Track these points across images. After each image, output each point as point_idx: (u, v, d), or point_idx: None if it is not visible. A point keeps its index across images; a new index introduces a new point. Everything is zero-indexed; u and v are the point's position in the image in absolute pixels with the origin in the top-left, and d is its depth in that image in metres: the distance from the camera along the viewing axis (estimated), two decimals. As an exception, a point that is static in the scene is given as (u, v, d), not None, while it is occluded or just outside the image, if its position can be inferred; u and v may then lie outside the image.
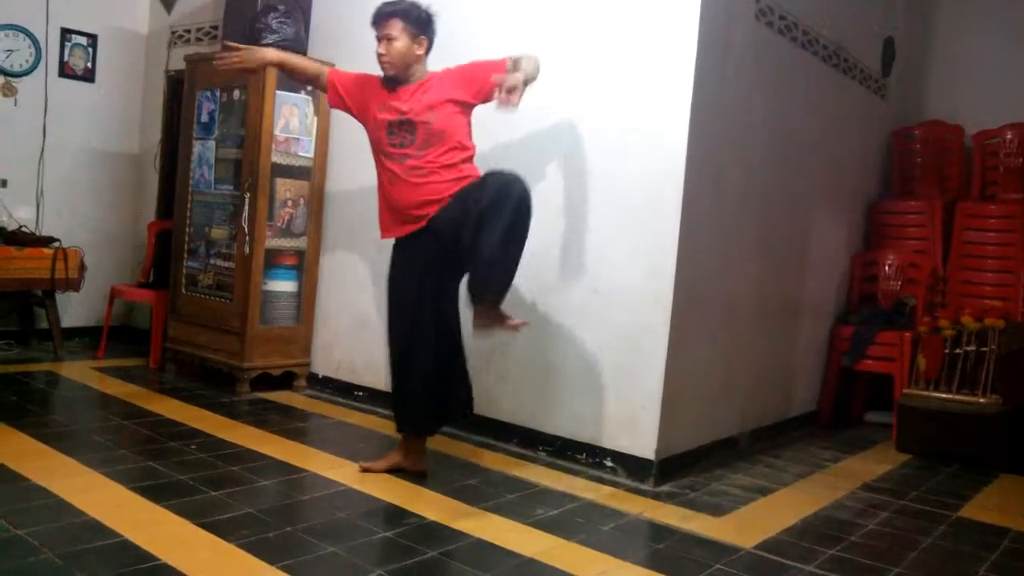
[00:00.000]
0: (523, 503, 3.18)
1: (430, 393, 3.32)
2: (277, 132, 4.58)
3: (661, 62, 3.55)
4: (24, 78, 5.44)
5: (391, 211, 3.32)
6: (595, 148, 3.74)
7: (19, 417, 3.80)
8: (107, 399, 4.41)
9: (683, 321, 3.57)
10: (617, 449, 3.64)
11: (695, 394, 3.79)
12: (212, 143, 4.85)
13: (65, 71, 5.66)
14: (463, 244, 3.05)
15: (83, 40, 5.72)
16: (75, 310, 5.66)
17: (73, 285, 5.23)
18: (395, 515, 2.96)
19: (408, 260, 3.31)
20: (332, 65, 3.78)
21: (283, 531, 2.71)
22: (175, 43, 5.84)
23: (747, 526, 3.14)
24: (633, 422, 3.59)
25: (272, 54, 3.59)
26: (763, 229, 4.22)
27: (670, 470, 3.61)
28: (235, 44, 3.56)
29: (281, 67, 3.63)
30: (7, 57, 5.35)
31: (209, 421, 4.00)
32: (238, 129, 4.69)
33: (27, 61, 5.44)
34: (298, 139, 4.69)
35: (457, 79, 3.24)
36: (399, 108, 3.22)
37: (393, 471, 3.38)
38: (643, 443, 3.56)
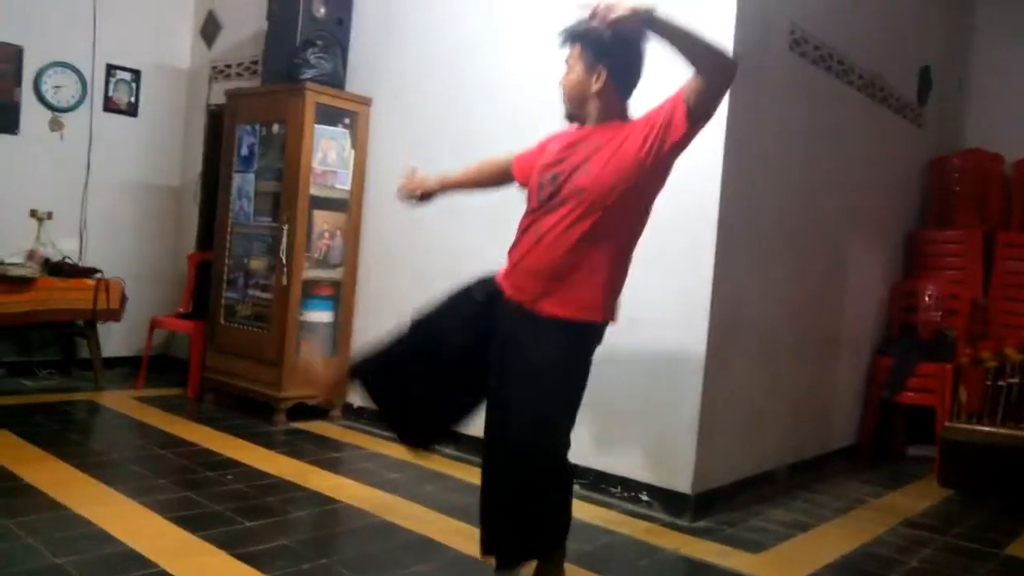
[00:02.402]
0: (558, 537, 3.15)
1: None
2: (315, 165, 4.65)
3: (695, 94, 3.55)
4: (70, 113, 5.59)
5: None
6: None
7: (61, 446, 3.85)
8: (146, 428, 4.46)
9: (719, 353, 3.54)
10: (653, 483, 3.60)
11: (732, 427, 3.74)
12: (252, 176, 4.94)
13: (109, 106, 5.80)
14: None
15: (127, 76, 5.87)
16: (116, 340, 5.76)
17: (114, 316, 5.31)
18: (429, 548, 2.95)
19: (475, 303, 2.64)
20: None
21: (318, 563, 2.72)
22: (216, 78, 5.96)
23: (786, 563, 3.09)
24: (669, 455, 3.56)
25: (428, 183, 2.90)
26: (799, 259, 4.19)
27: (707, 505, 3.56)
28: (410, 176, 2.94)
29: (449, 188, 2.98)
30: (55, 93, 5.50)
31: (246, 451, 4.03)
32: (277, 162, 4.77)
33: (74, 97, 5.59)
34: (336, 172, 4.75)
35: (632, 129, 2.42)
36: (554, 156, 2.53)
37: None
38: (679, 477, 3.52)
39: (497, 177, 2.88)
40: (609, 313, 2.54)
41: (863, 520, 3.73)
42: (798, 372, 4.29)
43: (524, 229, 2.53)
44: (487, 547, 2.56)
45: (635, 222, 2.52)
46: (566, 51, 2.54)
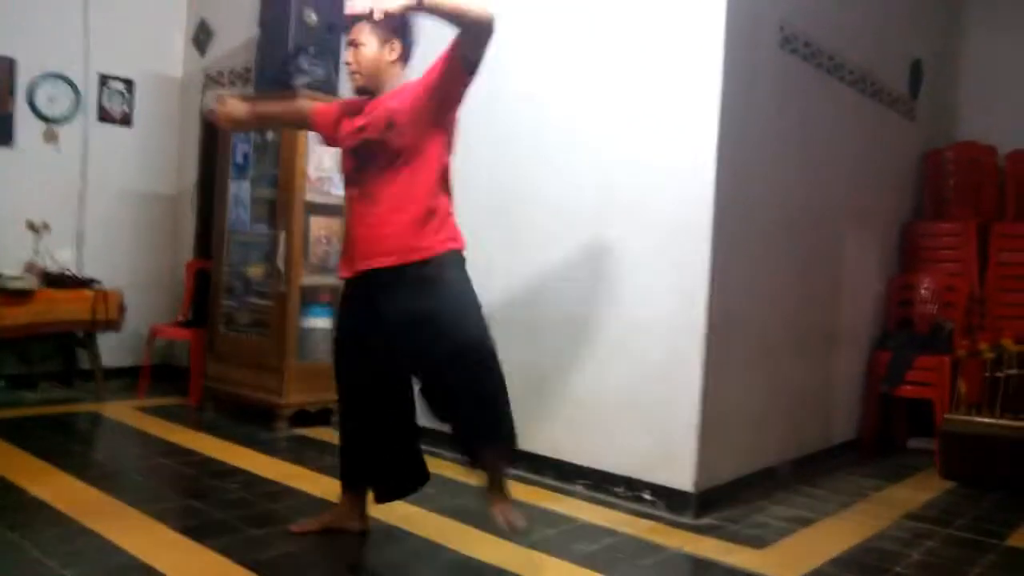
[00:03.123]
0: (562, 538, 3.17)
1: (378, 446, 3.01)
2: (310, 171, 4.66)
3: (687, 93, 3.57)
4: (65, 124, 5.59)
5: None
6: (624, 179, 3.75)
7: (64, 458, 3.86)
8: (149, 438, 4.46)
9: (718, 350, 3.56)
10: (655, 482, 3.61)
11: (733, 424, 3.76)
12: (247, 183, 4.95)
13: (103, 116, 5.80)
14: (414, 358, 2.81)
15: (120, 85, 5.87)
16: (116, 350, 5.75)
17: (113, 326, 5.32)
18: (433, 552, 2.97)
19: (355, 300, 2.93)
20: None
21: (325, 570, 2.73)
22: (209, 85, 5.96)
23: (790, 558, 3.10)
24: (671, 454, 3.57)
25: (240, 110, 3.09)
26: (796, 256, 4.21)
27: (710, 502, 3.58)
28: (222, 100, 3.14)
29: (258, 120, 3.31)
30: (49, 104, 5.50)
31: (249, 458, 4.04)
32: (272, 169, 4.78)
33: (68, 108, 5.59)
34: (331, 177, 4.76)
35: (415, 86, 2.77)
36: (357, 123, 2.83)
37: (331, 530, 3.06)
38: (682, 475, 3.54)
39: (296, 121, 3.29)
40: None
41: (866, 514, 3.75)
42: (798, 368, 4.31)
43: (352, 203, 2.86)
44: (485, 453, 2.82)
45: (444, 159, 2.81)
46: (353, 31, 2.80)
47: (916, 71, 5.43)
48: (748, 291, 3.80)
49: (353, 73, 2.82)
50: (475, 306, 2.79)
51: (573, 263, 3.92)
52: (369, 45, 2.77)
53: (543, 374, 3.98)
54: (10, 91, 5.33)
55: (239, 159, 5.01)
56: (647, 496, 3.64)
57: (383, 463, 3.02)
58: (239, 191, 5.01)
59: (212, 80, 5.97)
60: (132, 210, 5.99)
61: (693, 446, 3.51)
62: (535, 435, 4.02)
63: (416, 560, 2.91)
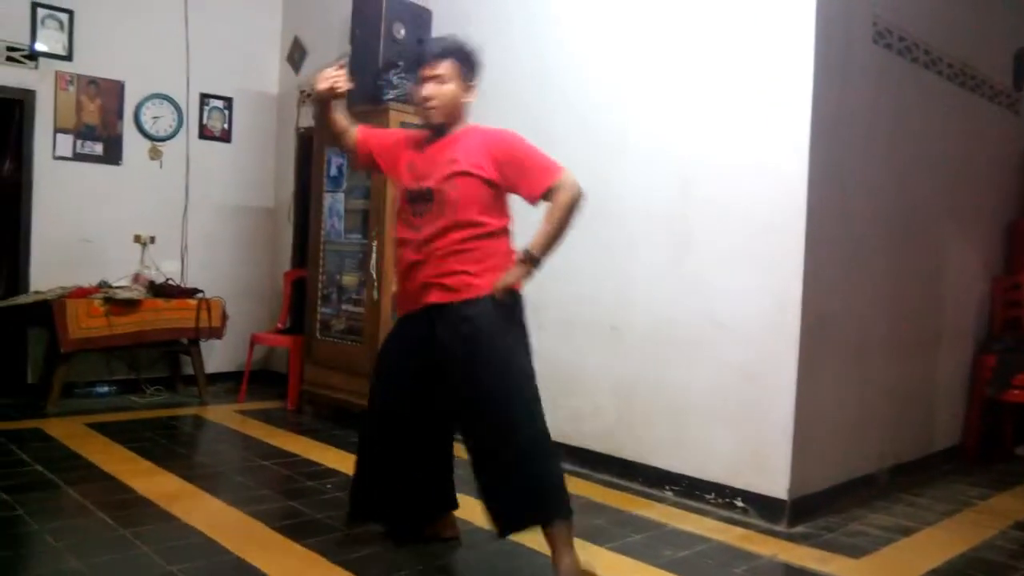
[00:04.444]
0: (651, 544, 3.15)
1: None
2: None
3: (778, 89, 3.51)
4: (168, 142, 5.86)
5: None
6: (713, 177, 3.71)
7: (169, 459, 4.04)
8: (249, 440, 4.63)
9: (812, 352, 3.48)
10: (747, 488, 3.55)
11: (828, 429, 3.67)
12: (341, 195, 5.09)
13: (204, 133, 6.06)
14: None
15: (220, 104, 6.12)
16: (218, 356, 5.99)
17: (216, 333, 5.54)
18: (524, 555, 2.98)
19: (401, 338, 2.91)
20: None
21: (415, 569, 2.78)
22: (304, 102, 6.16)
23: (889, 568, 3.01)
24: (763, 460, 3.51)
25: (342, 84, 2.85)
26: (893, 255, 4.08)
27: (804, 510, 3.50)
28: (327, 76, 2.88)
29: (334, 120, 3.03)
30: (154, 123, 5.78)
31: (344, 460, 4.13)
32: (364, 181, 4.90)
33: (171, 126, 5.86)
34: (420, 187, 4.84)
35: (495, 151, 2.72)
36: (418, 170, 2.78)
37: None
38: (775, 482, 3.47)
39: (344, 142, 3.03)
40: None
41: (970, 523, 3.61)
42: (896, 371, 4.17)
43: (402, 239, 2.82)
44: (499, 519, 2.70)
45: (499, 211, 2.76)
46: (434, 65, 2.73)
47: (1020, 62, 5.20)
48: (843, 292, 3.70)
49: (430, 108, 2.74)
50: (514, 361, 2.68)
51: (659, 265, 3.90)
52: (452, 82, 2.73)
53: (630, 378, 3.97)
54: (119, 113, 5.63)
55: (333, 172, 5.16)
56: (738, 503, 3.58)
57: (408, 492, 2.93)
58: (333, 202, 5.15)
59: (307, 96, 6.16)
60: (232, 222, 6.24)
61: (787, 452, 3.44)
62: (623, 440, 4.01)
63: (501, 561, 2.93)
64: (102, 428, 4.61)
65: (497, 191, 2.71)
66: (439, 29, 5.06)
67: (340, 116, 2.99)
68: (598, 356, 4.12)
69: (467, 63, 2.76)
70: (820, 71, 3.44)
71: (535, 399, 2.69)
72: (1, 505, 3.22)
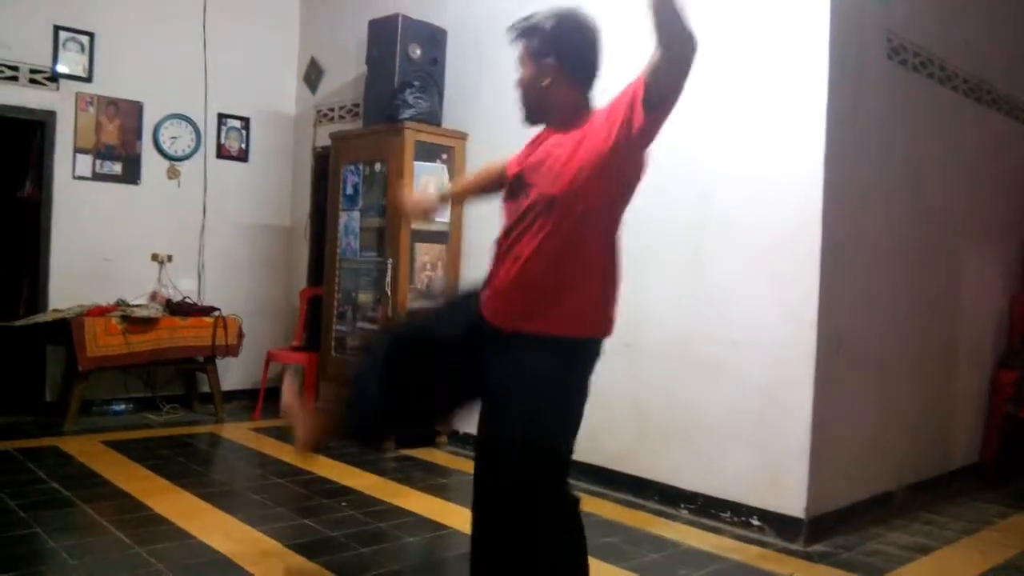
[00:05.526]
0: (667, 563, 3.14)
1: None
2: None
3: (792, 105, 3.52)
4: (186, 161, 5.92)
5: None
6: (729, 192, 3.71)
7: (184, 476, 4.06)
8: (264, 458, 4.64)
9: (828, 371, 3.46)
10: (764, 507, 3.53)
11: (845, 447, 3.64)
12: (357, 214, 5.13)
13: (222, 153, 6.12)
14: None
15: (237, 124, 6.18)
16: (233, 374, 6.02)
17: (232, 351, 5.57)
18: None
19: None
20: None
21: (430, 588, 2.78)
22: (320, 121, 6.21)
23: (907, 587, 2.98)
24: (780, 479, 3.49)
25: (431, 202, 2.64)
26: (910, 270, 4.06)
27: (821, 529, 3.47)
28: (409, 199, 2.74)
29: (461, 198, 2.82)
30: (172, 143, 5.84)
31: (358, 478, 4.14)
32: (380, 199, 4.94)
33: (189, 146, 5.92)
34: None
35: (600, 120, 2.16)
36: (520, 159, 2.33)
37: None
38: (791, 501, 3.44)
39: (497, 182, 2.49)
40: (600, 327, 2.22)
41: (990, 542, 3.56)
42: (914, 388, 4.14)
43: (500, 243, 2.27)
44: None
45: (610, 222, 2.20)
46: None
47: (1037, 77, 5.18)
48: (859, 308, 3.69)
49: (520, 100, 2.34)
50: (547, 423, 2.14)
51: (674, 280, 3.89)
52: (525, 68, 2.30)
53: (645, 395, 3.96)
54: (138, 133, 5.69)
55: (349, 191, 5.20)
56: (755, 522, 3.55)
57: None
58: (349, 221, 5.19)
59: (323, 116, 6.21)
60: (249, 241, 6.28)
61: (804, 470, 3.42)
62: (638, 458, 3.99)
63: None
64: (119, 446, 4.64)
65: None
66: (454, 48, 5.10)
67: (471, 185, 2.70)
68: (613, 373, 4.10)
69: (537, 42, 2.26)
70: (835, 87, 3.45)
71: None
72: (18, 522, 3.24)
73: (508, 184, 2.30)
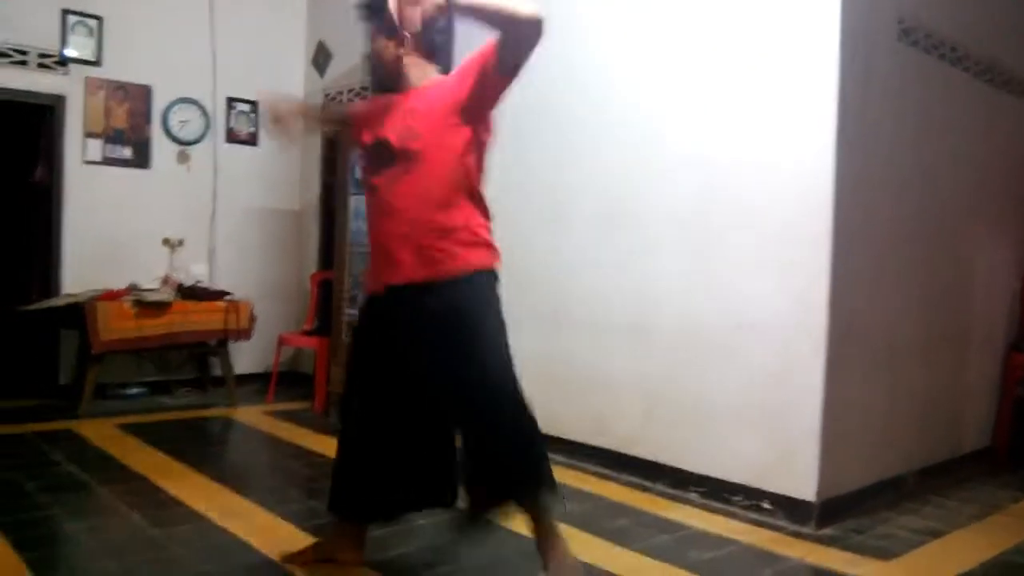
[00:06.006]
0: (677, 546, 3.15)
1: (381, 468, 2.67)
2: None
3: (802, 89, 3.50)
4: (196, 145, 5.93)
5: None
6: (738, 177, 3.70)
7: (199, 460, 4.09)
8: (276, 441, 4.67)
9: (839, 354, 3.46)
10: (775, 490, 3.53)
11: (856, 431, 3.64)
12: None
13: (231, 137, 6.12)
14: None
15: (246, 107, 6.18)
16: (246, 358, 6.04)
17: (244, 335, 5.59)
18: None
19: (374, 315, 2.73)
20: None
21: (439, 570, 2.79)
22: (329, 104, 6.20)
23: (919, 571, 2.99)
24: (791, 462, 3.49)
25: (292, 116, 2.86)
26: (921, 254, 4.04)
27: (833, 512, 3.47)
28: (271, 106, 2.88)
29: (320, 124, 3.00)
30: (182, 128, 5.85)
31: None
32: (389, 182, 4.92)
33: (198, 130, 5.93)
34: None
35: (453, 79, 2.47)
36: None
37: (324, 560, 2.77)
38: (802, 484, 3.45)
39: (348, 125, 2.86)
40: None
41: (1001, 526, 3.57)
42: (925, 371, 4.13)
43: (369, 211, 2.59)
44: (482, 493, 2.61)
45: (471, 165, 2.51)
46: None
47: (1051, 58, 5.13)
48: (869, 292, 3.68)
49: (374, 70, 2.66)
50: (492, 345, 2.48)
51: (684, 265, 3.89)
52: (378, 39, 2.56)
53: (655, 379, 3.97)
54: (147, 118, 5.70)
55: (358, 174, 5.19)
56: (766, 505, 3.56)
57: (396, 476, 2.68)
58: (359, 204, 5.18)
59: (332, 99, 6.20)
60: (260, 225, 6.29)
61: (814, 453, 3.42)
62: (648, 441, 4.01)
63: (525, 561, 2.93)
64: (133, 429, 4.68)
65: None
66: (459, 32, 5.05)
67: (328, 116, 2.86)
68: (623, 357, 4.12)
69: (375, 10, 2.56)
70: (845, 69, 3.42)
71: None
72: (34, 505, 3.28)
73: (372, 146, 2.54)
